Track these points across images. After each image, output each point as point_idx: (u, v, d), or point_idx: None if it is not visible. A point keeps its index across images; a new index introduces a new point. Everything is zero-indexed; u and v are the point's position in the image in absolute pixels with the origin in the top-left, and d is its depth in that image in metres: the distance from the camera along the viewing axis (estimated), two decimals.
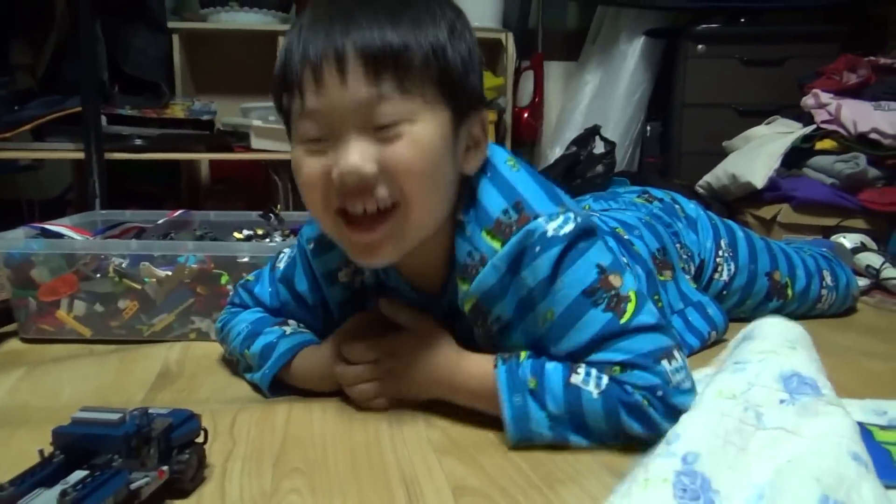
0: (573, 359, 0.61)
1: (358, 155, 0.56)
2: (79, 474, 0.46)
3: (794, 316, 1.03)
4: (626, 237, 0.86)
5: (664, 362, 0.58)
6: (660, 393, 0.57)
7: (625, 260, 0.78)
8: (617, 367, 0.58)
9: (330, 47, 0.56)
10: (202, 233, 1.12)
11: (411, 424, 0.64)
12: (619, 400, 0.57)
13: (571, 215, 0.61)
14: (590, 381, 0.58)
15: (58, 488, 0.44)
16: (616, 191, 1.12)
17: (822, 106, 1.67)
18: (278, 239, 1.11)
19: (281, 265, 0.79)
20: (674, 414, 0.55)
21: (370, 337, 0.68)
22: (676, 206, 1.00)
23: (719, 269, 0.98)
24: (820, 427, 0.47)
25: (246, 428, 0.64)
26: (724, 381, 0.54)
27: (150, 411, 0.51)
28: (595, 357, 0.60)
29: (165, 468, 0.49)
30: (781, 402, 0.50)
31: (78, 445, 0.48)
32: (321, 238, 0.72)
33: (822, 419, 0.48)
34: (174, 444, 0.52)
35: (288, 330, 0.75)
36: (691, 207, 1.02)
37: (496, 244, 0.61)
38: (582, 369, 0.59)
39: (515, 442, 0.59)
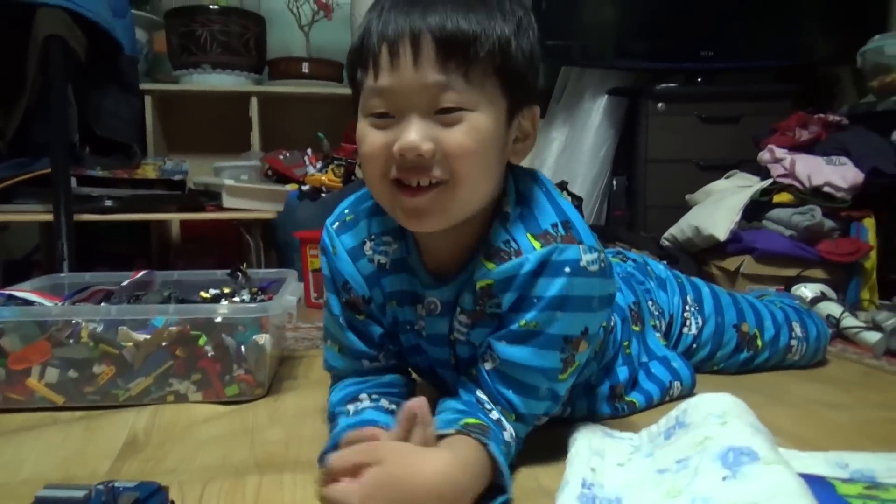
0: (505, 359, 0.67)
1: (419, 134, 0.61)
2: None
3: (767, 367, 1.07)
4: None
5: (537, 420, 0.71)
6: (522, 437, 0.70)
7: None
8: (514, 416, 0.68)
9: (407, 28, 0.60)
10: (168, 293, 1.11)
11: None
12: (516, 447, 0.68)
13: (603, 257, 0.68)
14: (511, 434, 0.67)
15: None
16: None
17: (778, 161, 1.75)
18: (246, 297, 1.11)
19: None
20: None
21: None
22: (648, 267, 1.05)
23: (687, 323, 1.02)
24: (765, 489, 0.49)
25: (215, 500, 0.63)
26: (670, 482, 0.57)
27: (115, 486, 0.51)
28: (512, 395, 0.68)
29: None
30: (724, 479, 0.52)
31: None
32: (344, 218, 0.77)
33: (764, 480, 0.50)
34: None
35: (341, 420, 0.71)
36: (660, 268, 1.07)
37: (536, 245, 0.66)
38: (503, 421, 0.67)
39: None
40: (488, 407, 0.68)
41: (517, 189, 0.70)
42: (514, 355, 0.67)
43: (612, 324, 0.86)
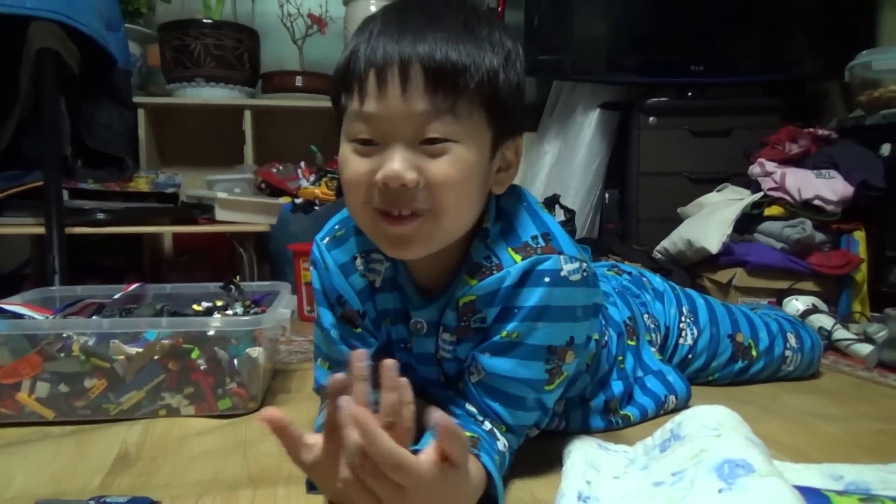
0: (490, 371, 0.67)
1: (403, 164, 0.60)
2: None
3: (761, 377, 1.07)
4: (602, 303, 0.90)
5: (529, 431, 0.72)
6: (515, 448, 0.70)
7: (603, 322, 0.85)
8: (503, 427, 0.68)
9: (397, 55, 0.59)
10: (161, 306, 1.11)
11: None
12: (509, 457, 0.69)
13: (585, 266, 0.67)
14: (503, 444, 0.67)
15: None
16: None
17: (768, 174, 1.76)
18: (239, 310, 1.10)
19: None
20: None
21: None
22: (644, 279, 1.06)
23: (683, 333, 1.02)
24: (761, 501, 0.49)
25: None
26: (665, 494, 0.57)
27: (107, 501, 0.50)
28: (499, 407, 0.68)
29: None
30: (720, 491, 0.52)
31: None
32: (335, 234, 0.77)
33: (760, 492, 0.50)
34: None
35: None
36: (657, 281, 1.07)
37: (517, 258, 0.67)
38: (496, 432, 0.67)
39: None
40: (480, 419, 0.68)
41: (498, 206, 0.71)
42: (497, 367, 0.67)
43: (607, 338, 0.86)
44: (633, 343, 0.92)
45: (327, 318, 0.76)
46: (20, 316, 0.99)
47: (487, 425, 0.67)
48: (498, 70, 0.62)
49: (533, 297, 0.65)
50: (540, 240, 0.67)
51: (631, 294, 0.99)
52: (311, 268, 0.79)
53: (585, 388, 0.83)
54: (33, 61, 1.52)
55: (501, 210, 0.70)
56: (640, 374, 0.91)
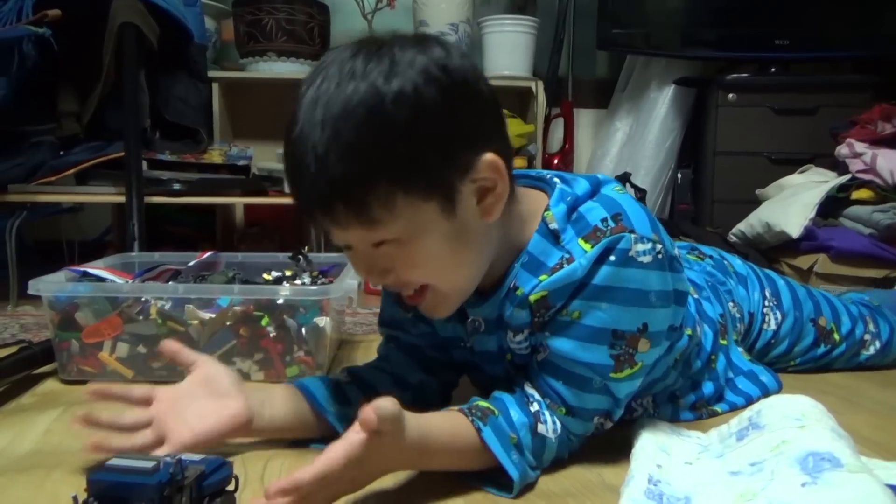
0: (553, 350, 0.64)
1: (367, 271, 0.63)
2: None
3: (838, 363, 1.02)
4: (695, 296, 0.85)
5: (597, 419, 0.67)
6: (582, 438, 0.68)
7: (697, 316, 0.80)
8: (563, 409, 0.65)
9: (315, 198, 0.58)
10: (232, 274, 1.13)
11: (443, 476, 0.63)
12: (564, 442, 0.66)
13: (661, 248, 0.64)
14: (548, 429, 0.64)
15: None
16: None
17: (857, 156, 1.66)
18: (307, 280, 1.12)
19: None
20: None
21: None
22: (725, 263, 1.00)
23: (767, 318, 0.98)
24: (850, 499, 0.47)
25: (277, 475, 0.64)
26: (743, 484, 0.54)
27: (183, 459, 0.51)
28: (560, 386, 0.65)
29: None
30: (804, 485, 0.49)
31: (111, 493, 0.48)
32: None
33: (849, 489, 0.47)
34: (206, 492, 0.51)
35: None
36: (739, 264, 1.01)
37: (587, 247, 0.63)
38: (544, 414, 0.64)
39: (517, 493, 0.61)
40: (531, 400, 0.65)
41: (566, 200, 0.66)
42: (558, 347, 0.64)
43: (700, 334, 0.81)
44: (724, 342, 0.87)
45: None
46: (103, 279, 1.03)
47: (535, 406, 0.65)
48: (412, 141, 0.56)
49: (597, 276, 0.62)
50: (610, 222, 0.63)
51: (717, 281, 0.94)
52: None
53: (675, 385, 0.79)
54: (115, 36, 1.57)
55: (569, 204, 0.66)
56: (730, 375, 0.87)
